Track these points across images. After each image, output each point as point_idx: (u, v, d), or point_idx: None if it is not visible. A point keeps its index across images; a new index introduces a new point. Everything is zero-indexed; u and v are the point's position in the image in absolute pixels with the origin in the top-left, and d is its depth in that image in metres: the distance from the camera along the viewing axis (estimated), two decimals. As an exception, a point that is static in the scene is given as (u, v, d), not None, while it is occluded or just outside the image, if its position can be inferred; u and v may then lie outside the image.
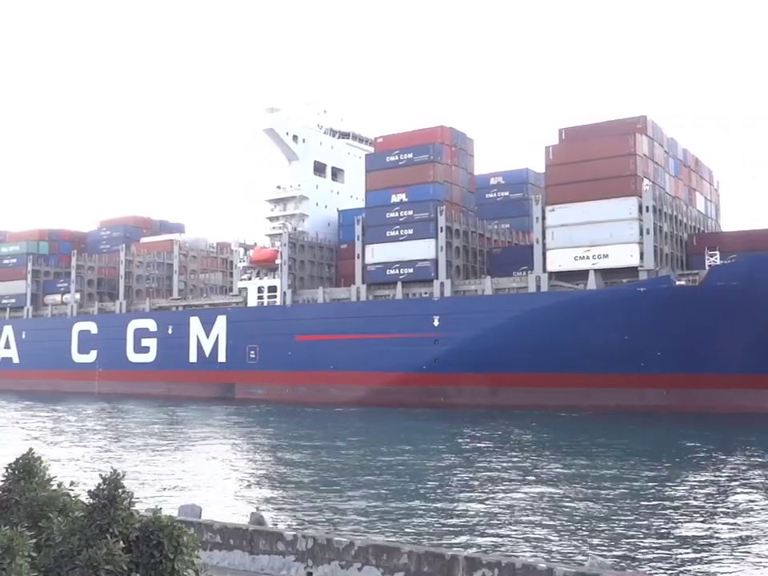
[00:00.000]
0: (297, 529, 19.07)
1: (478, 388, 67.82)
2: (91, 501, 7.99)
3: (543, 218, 66.89)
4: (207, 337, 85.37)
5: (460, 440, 47.28)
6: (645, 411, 59.95)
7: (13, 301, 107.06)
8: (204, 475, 34.25)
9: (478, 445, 44.68)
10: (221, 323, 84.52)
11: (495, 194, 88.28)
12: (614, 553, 20.55)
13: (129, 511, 7.97)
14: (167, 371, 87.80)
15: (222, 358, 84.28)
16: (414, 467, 36.08)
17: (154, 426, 59.15)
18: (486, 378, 67.20)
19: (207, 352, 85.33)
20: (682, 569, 19.39)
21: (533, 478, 32.42)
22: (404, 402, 68.85)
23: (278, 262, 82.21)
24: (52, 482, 9.15)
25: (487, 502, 27.22)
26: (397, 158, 75.00)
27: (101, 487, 7.98)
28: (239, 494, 30.04)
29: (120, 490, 8.01)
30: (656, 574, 18.91)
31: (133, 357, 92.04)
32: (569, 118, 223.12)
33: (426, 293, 72.76)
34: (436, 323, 70.29)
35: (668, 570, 19.42)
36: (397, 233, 74.04)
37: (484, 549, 20.42)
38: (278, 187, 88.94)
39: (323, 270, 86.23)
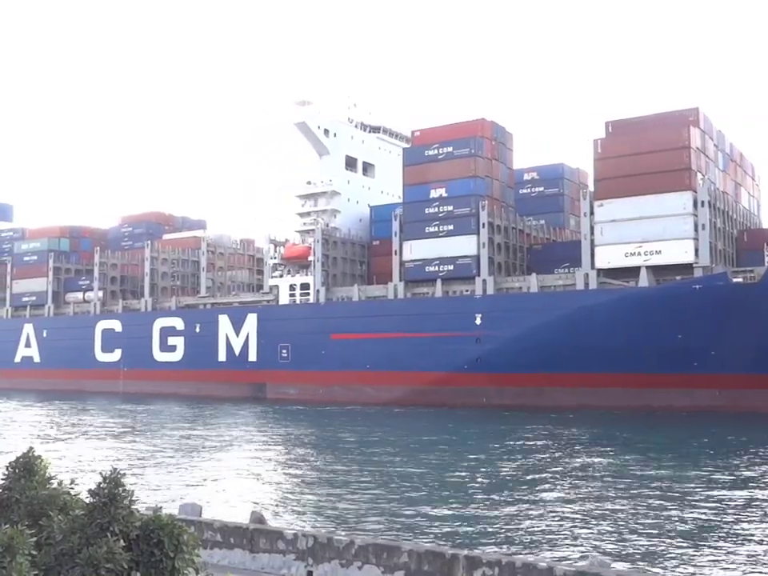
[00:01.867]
0: (297, 528, 18.74)
1: (522, 388, 66.00)
2: (92, 499, 7.93)
3: (591, 213, 64.92)
4: (237, 335, 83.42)
5: (526, 442, 45.36)
6: (695, 411, 58.12)
7: (33, 299, 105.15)
8: (219, 475, 33.82)
9: (556, 447, 42.81)
10: (251, 321, 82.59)
11: (529, 190, 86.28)
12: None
13: (129, 510, 7.92)
14: (195, 371, 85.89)
15: (252, 357, 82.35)
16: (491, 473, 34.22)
17: (177, 424, 58.30)
18: (532, 378, 65.34)
19: (237, 351, 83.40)
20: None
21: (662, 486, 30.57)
22: (444, 403, 67.05)
23: (310, 258, 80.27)
24: (52, 481, 9.09)
25: (599, 514, 25.36)
26: (436, 151, 73.00)
27: (101, 486, 7.93)
28: (273, 495, 29.05)
29: (120, 489, 7.97)
30: (662, 572, 18.51)
31: (159, 356, 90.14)
32: (602, 111, 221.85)
33: (467, 290, 70.81)
34: (478, 321, 68.37)
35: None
36: (436, 229, 72.08)
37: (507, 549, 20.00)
38: (308, 182, 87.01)
39: (355, 267, 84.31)
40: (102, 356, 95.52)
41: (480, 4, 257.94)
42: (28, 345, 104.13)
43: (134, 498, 8.10)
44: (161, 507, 8.57)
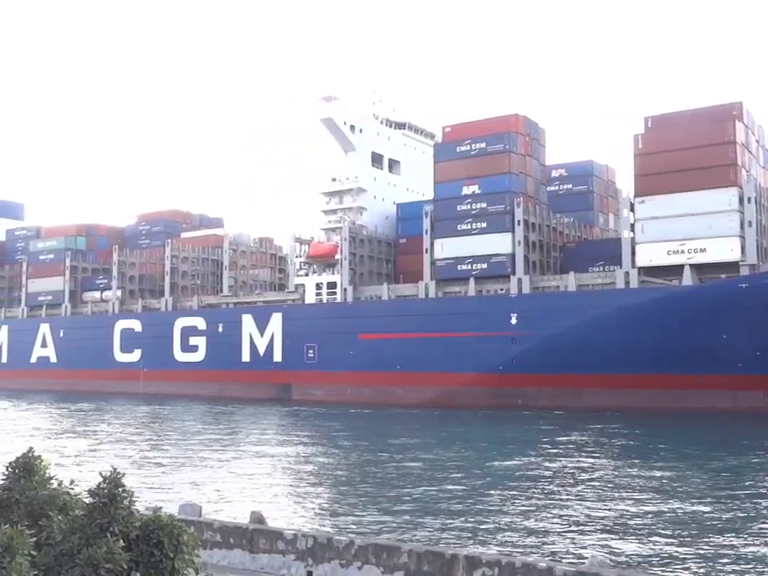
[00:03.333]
0: (297, 528, 18.58)
1: (559, 389, 64.52)
2: (91, 499, 7.89)
3: (631, 210, 63.43)
4: (261, 335, 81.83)
5: (580, 445, 43.84)
6: (738, 413, 56.68)
7: (50, 298, 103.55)
8: (233, 476, 33.35)
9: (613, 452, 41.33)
10: (276, 321, 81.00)
11: (557, 187, 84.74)
12: None
13: (129, 510, 7.90)
14: (218, 371, 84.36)
15: (277, 357, 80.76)
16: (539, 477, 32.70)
17: (196, 425, 57.80)
18: (570, 379, 63.86)
19: (261, 351, 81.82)
20: None
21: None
22: (478, 404, 65.53)
23: (337, 257, 78.72)
24: (52, 481, 9.03)
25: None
26: (468, 147, 71.42)
27: (101, 486, 7.89)
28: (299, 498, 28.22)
29: (120, 489, 7.93)
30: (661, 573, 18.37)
31: (180, 356, 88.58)
32: (625, 107, 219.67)
33: (501, 289, 69.27)
34: (514, 321, 66.83)
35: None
36: (469, 226, 70.53)
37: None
38: (333, 179, 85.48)
39: (381, 266, 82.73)
40: (121, 356, 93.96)
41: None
42: (44, 345, 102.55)
43: (134, 498, 8.02)
44: (160, 507, 8.43)
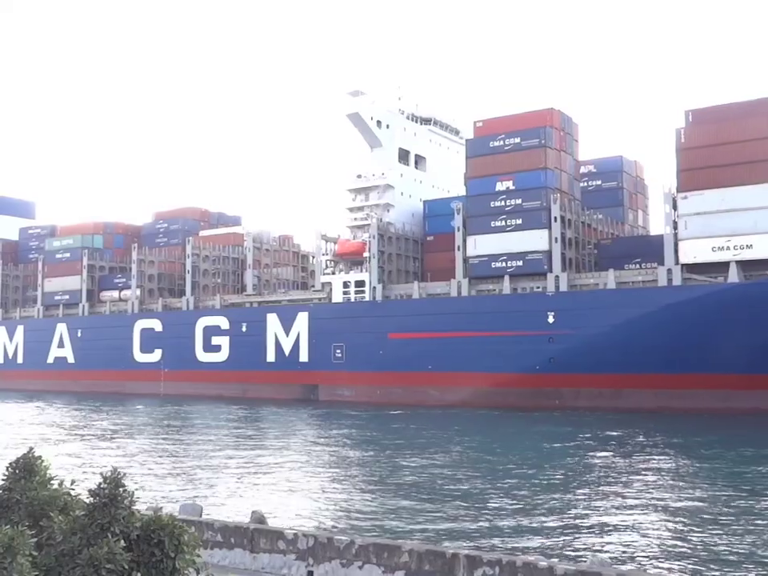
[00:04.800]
0: (297, 528, 18.22)
1: (599, 389, 63.01)
2: (92, 500, 7.88)
3: (674, 206, 61.86)
4: (287, 335, 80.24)
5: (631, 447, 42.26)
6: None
7: (66, 297, 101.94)
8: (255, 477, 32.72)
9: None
10: (302, 320, 79.43)
11: (586, 183, 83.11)
12: None
13: (130, 510, 7.86)
14: (241, 371, 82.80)
15: (303, 357, 79.18)
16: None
17: (216, 426, 56.93)
18: (609, 379, 62.36)
19: (287, 351, 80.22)
20: None
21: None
22: (513, 405, 64.09)
23: (365, 254, 77.10)
24: (53, 481, 8.99)
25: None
26: (502, 142, 69.89)
27: (102, 486, 7.87)
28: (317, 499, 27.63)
29: (121, 489, 7.90)
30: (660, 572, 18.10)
31: (202, 356, 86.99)
32: (647, 101, 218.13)
33: (537, 287, 67.70)
34: (551, 320, 65.29)
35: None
36: (503, 223, 68.95)
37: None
38: (359, 176, 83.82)
39: (409, 264, 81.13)
40: (141, 356, 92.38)
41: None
42: (61, 345, 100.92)
43: (134, 499, 7.98)
44: (161, 507, 8.75)
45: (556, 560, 16.26)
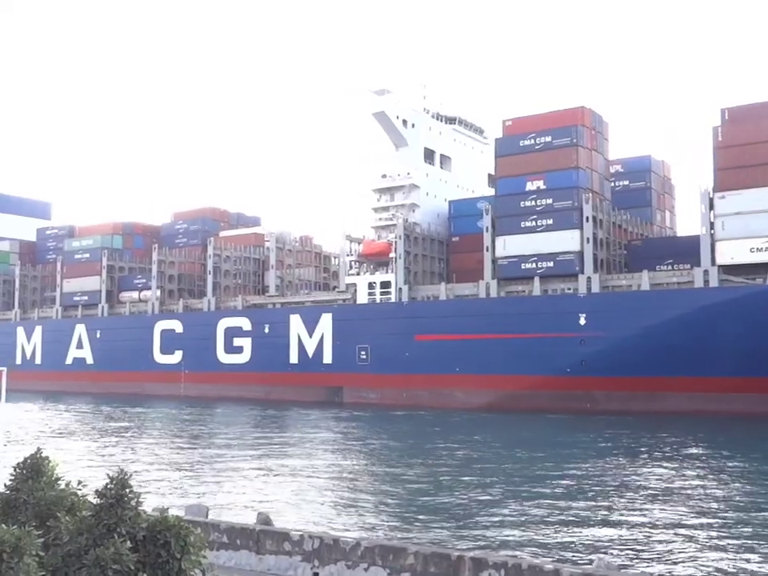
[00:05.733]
0: (303, 529, 17.98)
1: (632, 393, 61.75)
2: (99, 500, 7.91)
3: (710, 206, 60.63)
4: (310, 336, 79.24)
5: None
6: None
7: (85, 298, 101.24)
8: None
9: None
10: (326, 321, 78.42)
11: (614, 183, 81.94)
12: None
13: (136, 511, 7.90)
14: (264, 373, 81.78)
15: (327, 359, 78.18)
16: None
17: (235, 428, 56.55)
18: (643, 382, 61.14)
19: (310, 353, 79.22)
20: None
21: None
22: (543, 408, 62.84)
23: (391, 255, 76.07)
24: (60, 482, 8.97)
25: None
26: (532, 141, 68.75)
27: (108, 487, 7.91)
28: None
29: (127, 490, 7.93)
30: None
31: (224, 357, 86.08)
32: (666, 100, 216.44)
33: (568, 289, 66.54)
34: (582, 322, 64.10)
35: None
36: (533, 223, 67.82)
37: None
38: (384, 176, 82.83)
39: (434, 265, 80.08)
40: (161, 358, 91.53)
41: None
42: (80, 346, 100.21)
43: (141, 500, 7.99)
44: (167, 508, 8.45)
45: (562, 563, 15.99)
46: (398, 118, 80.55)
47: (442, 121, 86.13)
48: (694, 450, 42.93)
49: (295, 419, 64.18)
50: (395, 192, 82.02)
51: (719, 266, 59.86)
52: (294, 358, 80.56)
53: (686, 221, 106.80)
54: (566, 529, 23.34)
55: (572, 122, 67.52)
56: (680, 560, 20.12)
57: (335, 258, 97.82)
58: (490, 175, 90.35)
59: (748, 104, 61.35)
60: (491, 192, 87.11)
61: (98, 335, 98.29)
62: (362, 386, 75.29)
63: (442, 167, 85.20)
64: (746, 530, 23.41)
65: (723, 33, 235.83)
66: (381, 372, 73.77)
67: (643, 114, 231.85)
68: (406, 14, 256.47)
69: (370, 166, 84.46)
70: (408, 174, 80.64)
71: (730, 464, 37.24)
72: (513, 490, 30.12)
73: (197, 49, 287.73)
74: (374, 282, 76.98)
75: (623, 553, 20.59)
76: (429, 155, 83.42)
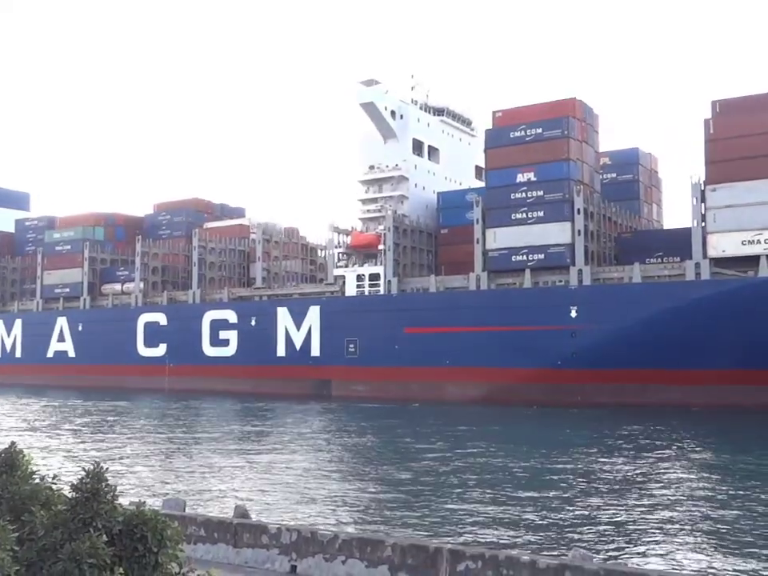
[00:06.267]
0: (281, 522, 18.22)
1: (623, 385, 61.74)
2: (74, 494, 7.84)
3: (702, 198, 60.68)
4: (298, 329, 78.54)
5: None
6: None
7: (67, 290, 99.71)
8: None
9: None
10: (314, 314, 77.74)
11: (601, 176, 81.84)
12: None
13: (112, 504, 7.84)
14: (250, 366, 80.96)
15: (315, 351, 77.56)
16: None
17: (216, 422, 56.33)
18: (635, 374, 61.13)
19: (298, 345, 78.52)
20: None
21: None
22: (534, 401, 62.66)
23: (380, 247, 75.49)
24: (34, 476, 8.86)
25: None
26: (523, 133, 68.40)
27: (84, 481, 7.85)
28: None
29: (103, 484, 7.85)
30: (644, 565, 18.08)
31: (209, 350, 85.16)
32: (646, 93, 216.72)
33: (559, 281, 66.40)
34: (573, 314, 64.00)
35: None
36: (524, 215, 67.56)
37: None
38: (372, 167, 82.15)
39: (423, 257, 79.61)
40: (145, 351, 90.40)
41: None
42: (61, 339, 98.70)
43: (117, 493, 7.94)
44: (144, 502, 8.24)
45: (538, 554, 16.12)
46: (386, 109, 79.84)
47: (429, 112, 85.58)
48: (660, 442, 42.94)
49: (280, 413, 63.68)
50: (383, 183, 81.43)
51: (710, 259, 59.95)
52: (281, 351, 79.86)
53: (672, 214, 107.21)
54: (542, 522, 23.43)
55: (563, 113, 67.28)
56: (657, 551, 20.21)
57: (322, 250, 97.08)
58: (477, 167, 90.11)
59: (739, 96, 61.42)
60: (479, 184, 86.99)
61: (80, 328, 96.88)
62: (350, 379, 74.72)
63: (430, 159, 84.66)
64: (727, 523, 23.48)
65: (711, 25, 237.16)
66: (370, 365, 73.27)
67: (626, 106, 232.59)
68: (395, 3, 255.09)
69: (356, 158, 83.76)
70: (396, 165, 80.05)
71: (699, 455, 37.21)
72: (491, 483, 30.13)
73: (180, 38, 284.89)
74: (363, 275, 76.38)
75: (602, 545, 20.58)
76: (417, 146, 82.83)
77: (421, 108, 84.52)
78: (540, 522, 23.37)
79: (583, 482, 30.38)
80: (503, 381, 65.93)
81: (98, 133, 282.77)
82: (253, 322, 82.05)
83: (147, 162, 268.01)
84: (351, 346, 75.13)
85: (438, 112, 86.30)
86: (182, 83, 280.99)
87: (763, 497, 27.00)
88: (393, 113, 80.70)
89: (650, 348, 59.99)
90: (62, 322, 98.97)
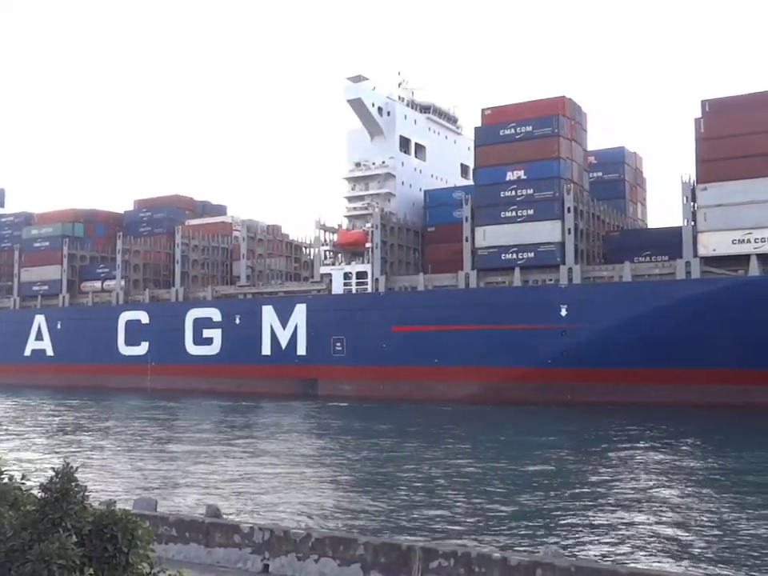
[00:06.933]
0: (253, 521, 18.36)
1: (613, 384, 61.69)
2: (43, 494, 7.78)
3: (692, 197, 60.78)
4: (284, 328, 77.63)
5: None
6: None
7: (45, 288, 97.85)
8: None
9: None
10: (300, 312, 76.87)
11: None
12: None
13: (82, 505, 7.78)
14: (235, 365, 79.93)
15: (301, 350, 76.69)
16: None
17: (204, 422, 55.27)
18: (625, 374, 61.11)
19: (284, 344, 77.62)
20: None
21: None
22: (524, 400, 62.48)
23: (368, 245, 74.82)
24: (2, 476, 8.60)
25: None
26: (513, 131, 68.14)
27: (53, 480, 7.78)
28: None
29: (73, 484, 7.79)
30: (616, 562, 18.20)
31: (192, 349, 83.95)
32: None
33: (550, 280, 66.21)
34: (564, 313, 63.86)
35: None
36: (514, 213, 67.27)
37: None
38: (358, 164, 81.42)
39: (409, 255, 79.07)
40: (126, 349, 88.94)
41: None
42: (39, 337, 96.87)
43: (87, 493, 7.87)
44: (114, 502, 8.14)
45: (510, 551, 16.32)
46: (373, 105, 79.13)
47: (416, 109, 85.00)
48: (638, 443, 42.88)
49: (261, 413, 63.09)
50: (370, 181, 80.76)
51: (701, 258, 60.05)
52: (266, 350, 78.92)
53: (656, 213, 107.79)
54: (514, 520, 23.55)
55: (553, 111, 67.10)
56: (627, 548, 20.32)
57: (306, 247, 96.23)
58: (462, 165, 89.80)
59: (729, 96, 61.60)
60: (464, 182, 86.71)
61: (59, 326, 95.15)
62: (337, 378, 74.05)
63: (416, 156, 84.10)
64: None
65: (697, 25, 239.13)
66: (357, 364, 72.65)
67: (609, 105, 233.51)
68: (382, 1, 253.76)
69: (344, 155, 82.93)
70: (384, 162, 79.43)
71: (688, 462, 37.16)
72: (466, 482, 30.11)
73: (161, 31, 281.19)
74: (350, 273, 75.70)
75: (573, 541, 20.68)
76: (404, 144, 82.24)
77: (407, 105, 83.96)
78: (512, 520, 23.37)
79: (556, 480, 30.45)
80: (493, 380, 65.61)
81: (75, 128, 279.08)
82: (237, 321, 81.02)
83: (126, 158, 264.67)
84: (338, 344, 74.43)
85: (425, 109, 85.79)
86: (164, 78, 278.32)
87: (726, 495, 27.25)
88: (380, 109, 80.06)
89: (640, 347, 59.97)
90: (39, 320, 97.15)
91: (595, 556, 19.16)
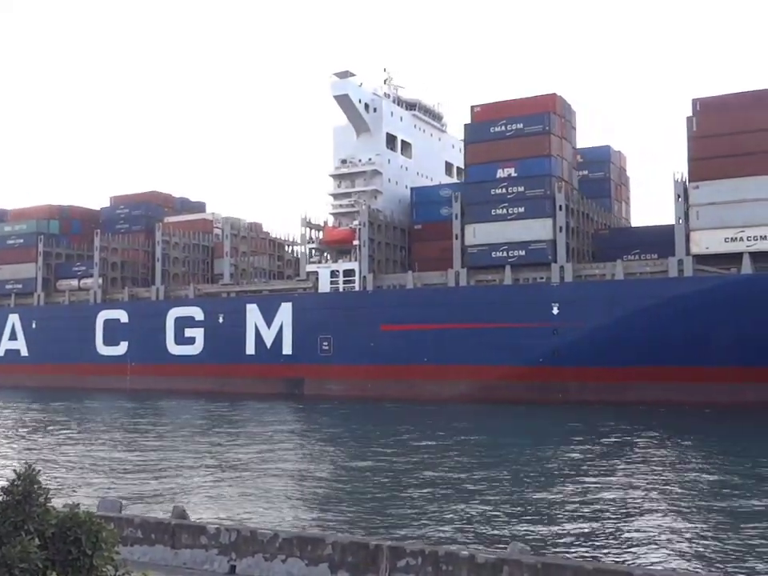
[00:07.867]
0: (220, 522, 18.19)
1: (605, 383, 61.48)
2: (5, 497, 7.70)
3: (685, 196, 60.82)
4: (269, 327, 76.37)
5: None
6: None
7: (19, 286, 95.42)
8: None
9: None
10: (285, 311, 75.67)
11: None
12: None
13: (45, 507, 7.75)
14: (218, 365, 78.48)
15: (287, 350, 75.51)
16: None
17: (181, 423, 54.59)
18: (617, 372, 60.93)
19: (269, 343, 76.36)
20: None
21: None
22: (515, 399, 61.94)
23: (355, 243, 73.88)
24: None
25: None
26: (503, 128, 67.69)
27: (15, 483, 7.69)
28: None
29: (36, 486, 7.74)
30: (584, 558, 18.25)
31: (174, 349, 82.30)
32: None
33: (540, 278, 65.86)
34: (555, 311, 63.56)
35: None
36: (504, 211, 66.83)
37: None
38: (344, 161, 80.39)
39: (396, 253, 78.24)
40: (104, 349, 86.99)
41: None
42: (13, 337, 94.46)
43: (50, 496, 7.79)
44: (78, 504, 8.05)
45: (477, 549, 16.34)
46: (360, 101, 78.16)
47: (402, 106, 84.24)
48: (615, 439, 42.69)
49: (241, 412, 61.84)
50: (356, 178, 79.79)
51: (693, 256, 60.11)
52: (250, 349, 77.63)
53: (640, 212, 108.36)
54: (481, 517, 23.51)
55: (544, 108, 66.82)
56: (593, 544, 20.39)
57: (289, 245, 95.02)
58: (447, 163, 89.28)
59: (720, 95, 61.77)
60: (449, 180, 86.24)
61: (34, 325, 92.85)
62: (324, 377, 72.99)
63: (402, 153, 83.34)
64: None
65: (685, 23, 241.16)
66: (344, 363, 71.66)
67: (595, 104, 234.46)
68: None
69: (330, 151, 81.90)
70: (370, 159, 78.53)
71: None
72: (437, 480, 29.90)
73: (140, 24, 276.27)
74: (337, 271, 74.70)
75: (540, 538, 20.82)
76: (390, 141, 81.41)
77: (393, 102, 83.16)
78: (479, 517, 23.36)
79: (524, 478, 30.43)
80: (483, 379, 65.10)
81: (49, 122, 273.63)
82: (221, 319, 79.62)
83: (101, 153, 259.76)
84: (325, 343, 73.41)
85: (410, 106, 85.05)
86: (141, 72, 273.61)
87: (716, 492, 27.35)
88: (366, 106, 79.12)
89: (632, 345, 59.85)
90: (13, 320, 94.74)
91: (561, 552, 19.16)
